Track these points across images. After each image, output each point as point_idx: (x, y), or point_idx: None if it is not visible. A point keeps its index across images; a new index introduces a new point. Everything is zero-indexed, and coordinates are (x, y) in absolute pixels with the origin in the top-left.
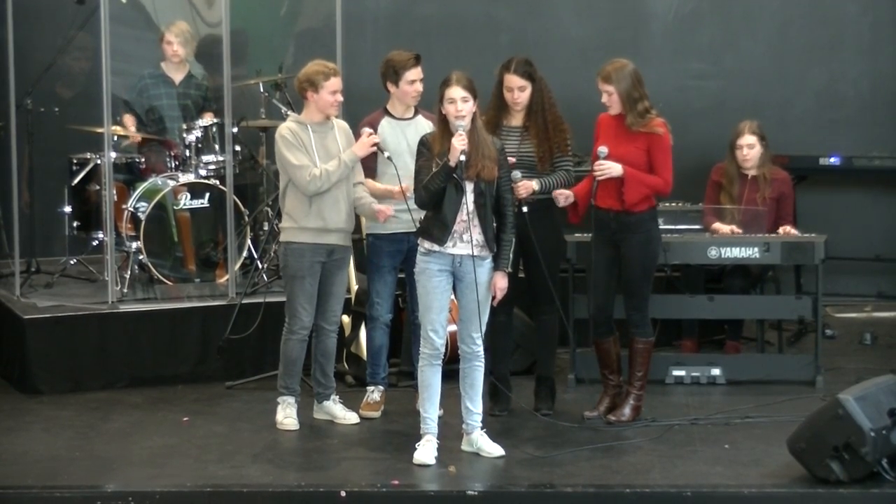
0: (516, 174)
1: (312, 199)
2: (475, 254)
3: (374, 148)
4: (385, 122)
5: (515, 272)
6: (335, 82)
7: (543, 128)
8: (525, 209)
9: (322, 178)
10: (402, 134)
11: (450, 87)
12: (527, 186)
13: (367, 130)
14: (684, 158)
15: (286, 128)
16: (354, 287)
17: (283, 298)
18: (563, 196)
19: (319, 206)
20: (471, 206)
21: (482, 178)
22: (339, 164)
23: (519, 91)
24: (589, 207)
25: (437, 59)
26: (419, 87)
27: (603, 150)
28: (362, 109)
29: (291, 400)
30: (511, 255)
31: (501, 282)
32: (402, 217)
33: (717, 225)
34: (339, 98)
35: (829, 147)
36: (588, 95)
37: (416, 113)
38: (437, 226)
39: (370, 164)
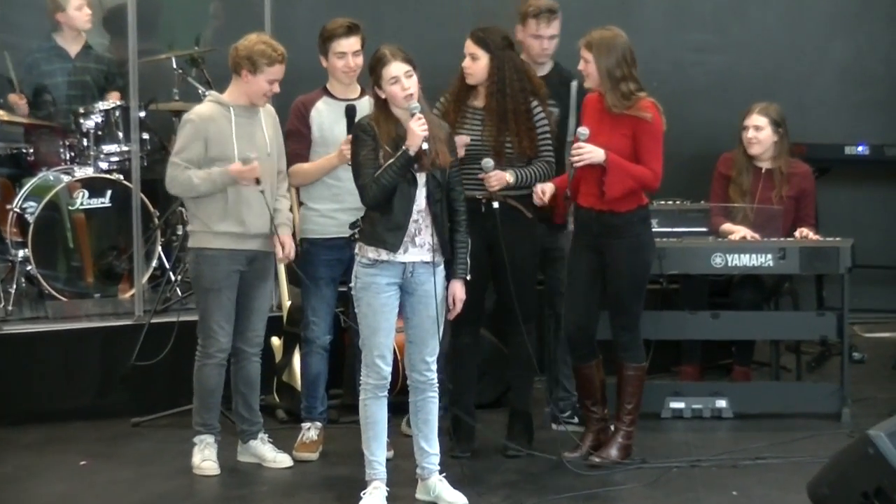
0: (488, 162)
1: (228, 198)
2: (427, 260)
3: (252, 183)
4: (322, 104)
5: (484, 285)
6: (278, 70)
7: (502, 114)
8: (496, 205)
9: (184, 185)
10: (344, 117)
11: (387, 64)
12: (499, 178)
13: (250, 158)
14: (683, 148)
15: (196, 113)
16: (287, 303)
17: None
18: (550, 192)
19: (237, 207)
20: (422, 203)
21: (437, 167)
22: (207, 178)
23: (470, 60)
24: (566, 205)
25: (389, 30)
26: (352, 61)
27: (583, 131)
28: (296, 90)
29: (210, 439)
30: (468, 261)
31: (461, 291)
32: (342, 218)
33: (729, 226)
34: (276, 89)
35: (856, 134)
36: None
37: (362, 93)
38: (388, 228)
39: (303, 153)
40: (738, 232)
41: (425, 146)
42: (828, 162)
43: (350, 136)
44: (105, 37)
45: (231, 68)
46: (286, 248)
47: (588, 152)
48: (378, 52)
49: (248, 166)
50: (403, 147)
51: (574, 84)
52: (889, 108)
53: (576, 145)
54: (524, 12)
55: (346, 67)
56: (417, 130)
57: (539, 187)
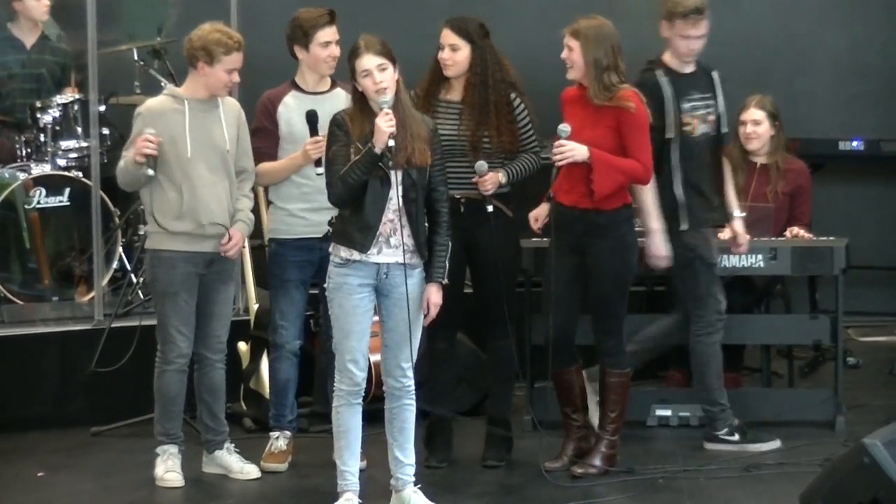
0: (482, 166)
1: (184, 195)
2: (405, 261)
3: (142, 158)
4: (291, 98)
5: (461, 287)
6: (236, 59)
7: (483, 106)
8: (490, 208)
9: (118, 175)
10: (305, 119)
11: (360, 56)
12: (494, 181)
13: (146, 132)
14: None
15: (146, 107)
16: (254, 306)
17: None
18: (492, 182)
19: (193, 205)
20: (399, 202)
21: (413, 165)
22: (123, 164)
23: (450, 50)
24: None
25: (363, 20)
26: (335, 50)
27: (564, 128)
28: (263, 84)
29: (174, 449)
30: (447, 264)
31: (436, 296)
32: (312, 218)
33: None
34: (236, 78)
35: (851, 129)
36: (549, 65)
37: (333, 85)
38: (358, 228)
39: (270, 151)
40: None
41: (392, 143)
42: (822, 157)
43: (317, 137)
44: (57, 27)
45: (187, 61)
46: (232, 240)
47: (570, 150)
48: (355, 43)
49: (143, 136)
50: (369, 144)
51: (716, 74)
52: (885, 101)
53: (557, 143)
54: (672, 11)
55: (330, 57)
56: (383, 126)
57: (532, 215)
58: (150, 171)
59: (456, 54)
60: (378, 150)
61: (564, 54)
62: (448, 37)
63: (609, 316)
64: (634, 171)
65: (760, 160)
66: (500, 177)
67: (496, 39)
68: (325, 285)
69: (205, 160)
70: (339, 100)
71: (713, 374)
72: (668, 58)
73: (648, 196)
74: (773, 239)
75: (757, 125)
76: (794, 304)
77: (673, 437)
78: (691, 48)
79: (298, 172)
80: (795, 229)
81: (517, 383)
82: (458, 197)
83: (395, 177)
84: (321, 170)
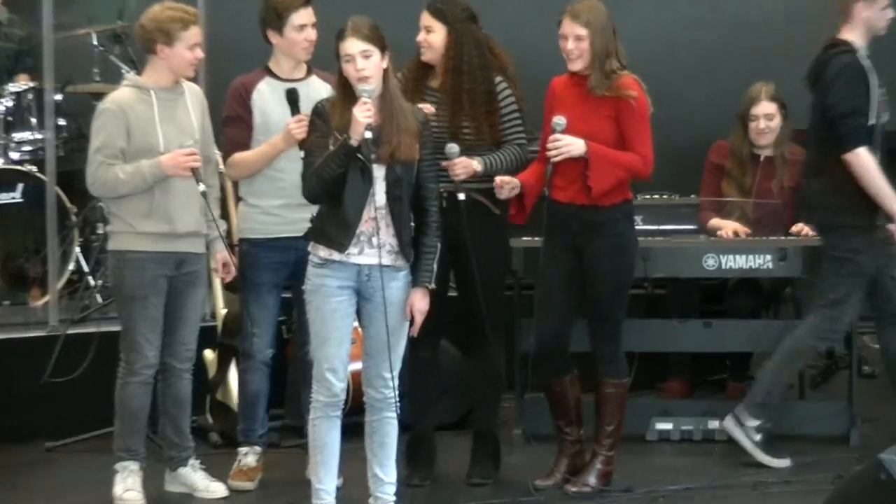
0: (452, 148)
1: (154, 193)
2: (387, 263)
3: (188, 173)
4: (265, 85)
5: (445, 290)
6: (195, 33)
7: (457, 94)
8: (462, 197)
9: (110, 184)
10: (284, 98)
11: (344, 39)
12: (465, 165)
13: (187, 145)
14: (672, 136)
15: (112, 100)
16: (222, 312)
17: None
18: (508, 186)
19: (164, 203)
20: (382, 199)
21: (398, 160)
22: (135, 173)
23: (425, 32)
24: (541, 201)
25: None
26: (311, 34)
27: (559, 121)
28: (231, 71)
29: (134, 466)
30: (435, 266)
31: (421, 302)
32: (287, 216)
33: (717, 221)
34: (200, 54)
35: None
36: (536, 50)
37: (309, 72)
38: (336, 225)
39: (244, 141)
40: (727, 227)
41: (369, 135)
42: None
43: (300, 115)
44: (6, 10)
45: (143, 48)
46: (228, 268)
47: (566, 145)
48: (343, 25)
49: (184, 151)
50: (345, 136)
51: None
52: None
53: (551, 138)
54: None
55: (307, 41)
56: (359, 117)
57: (499, 179)
58: (202, 186)
59: (430, 37)
60: (354, 143)
61: (570, 45)
62: (425, 18)
63: (606, 321)
64: (634, 166)
65: (766, 152)
66: (475, 164)
67: (489, 26)
68: (304, 287)
69: None
70: (315, 88)
71: (790, 374)
72: (853, 37)
73: (875, 178)
74: (783, 238)
75: (770, 120)
76: (806, 309)
77: (674, 453)
78: (884, 25)
79: (273, 166)
80: (801, 226)
81: (506, 394)
82: (440, 191)
83: (378, 172)
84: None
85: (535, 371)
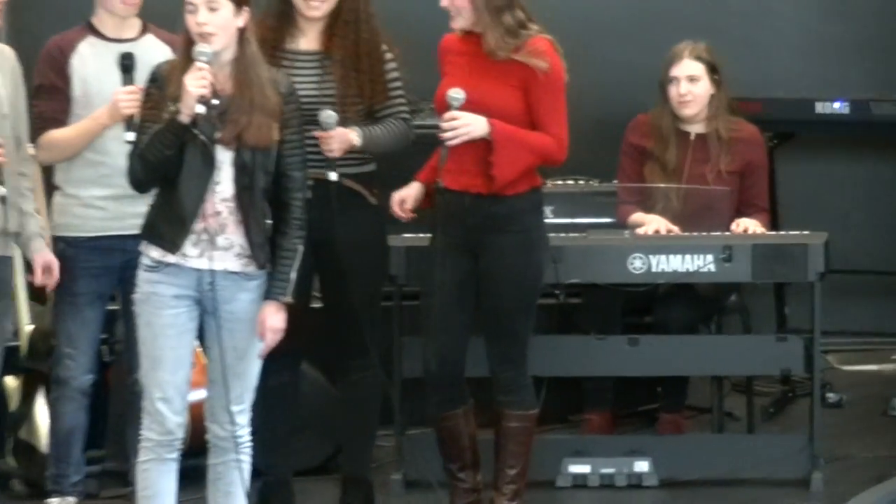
0: (329, 116)
1: None
2: (233, 269)
3: None
4: (87, 46)
5: (307, 302)
6: None
7: (353, 55)
8: (334, 177)
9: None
10: (116, 63)
11: None
12: (342, 138)
13: None
14: (589, 107)
15: None
16: (27, 328)
17: None
18: (403, 199)
19: None
20: (228, 189)
21: (247, 145)
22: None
23: None
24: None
25: None
26: None
27: (456, 94)
28: (44, 29)
29: None
30: (294, 275)
31: (273, 318)
32: (112, 209)
33: (639, 216)
34: None
35: (832, 86)
36: (426, 8)
37: (144, 30)
38: (169, 220)
39: (59, 116)
40: (650, 224)
41: (202, 110)
42: (792, 124)
43: (132, 86)
44: None
45: None
46: (52, 272)
47: (466, 125)
48: None
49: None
50: (173, 109)
51: None
52: (879, 49)
53: (447, 116)
54: None
55: None
56: (190, 87)
57: (397, 196)
58: (2, 190)
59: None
60: (185, 118)
61: (446, 1)
62: None
63: (508, 336)
64: (547, 149)
65: (696, 129)
66: (354, 137)
67: None
68: (136, 295)
69: None
70: (150, 49)
71: None
72: None
73: None
74: (727, 234)
75: (693, 82)
76: (756, 322)
77: (593, 501)
78: None
79: (96, 148)
80: (744, 221)
81: (382, 430)
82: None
83: (224, 155)
84: (132, 135)
85: (430, 403)
